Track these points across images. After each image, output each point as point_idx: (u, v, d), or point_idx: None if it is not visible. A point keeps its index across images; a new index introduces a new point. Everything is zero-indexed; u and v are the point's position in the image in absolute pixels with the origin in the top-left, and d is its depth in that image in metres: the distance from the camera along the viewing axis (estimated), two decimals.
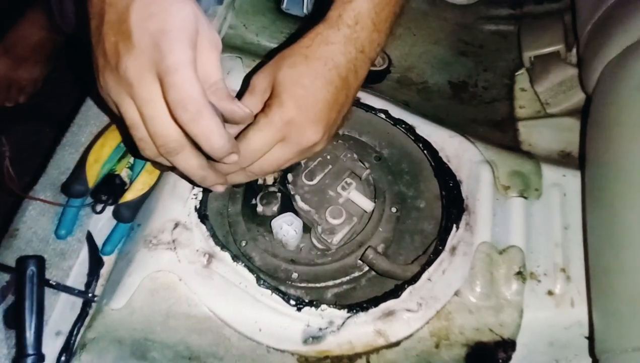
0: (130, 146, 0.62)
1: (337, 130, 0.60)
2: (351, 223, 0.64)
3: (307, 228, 0.66)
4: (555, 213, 0.65)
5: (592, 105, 0.67)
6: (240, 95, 0.59)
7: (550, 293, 0.60)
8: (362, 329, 0.57)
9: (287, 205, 0.67)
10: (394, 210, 0.68)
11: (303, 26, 0.59)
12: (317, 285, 0.63)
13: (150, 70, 0.43)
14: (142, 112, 0.45)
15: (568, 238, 0.63)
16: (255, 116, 0.53)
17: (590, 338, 0.57)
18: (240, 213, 0.68)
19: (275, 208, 0.67)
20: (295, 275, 0.63)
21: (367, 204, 0.65)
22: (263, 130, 0.51)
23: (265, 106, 0.53)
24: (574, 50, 0.84)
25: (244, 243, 0.65)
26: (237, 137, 0.52)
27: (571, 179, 0.68)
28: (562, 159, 0.75)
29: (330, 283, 0.63)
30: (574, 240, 0.63)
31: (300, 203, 0.65)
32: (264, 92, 0.54)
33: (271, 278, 0.63)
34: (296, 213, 0.65)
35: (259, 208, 0.67)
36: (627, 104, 0.58)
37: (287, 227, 0.63)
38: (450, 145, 0.70)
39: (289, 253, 0.65)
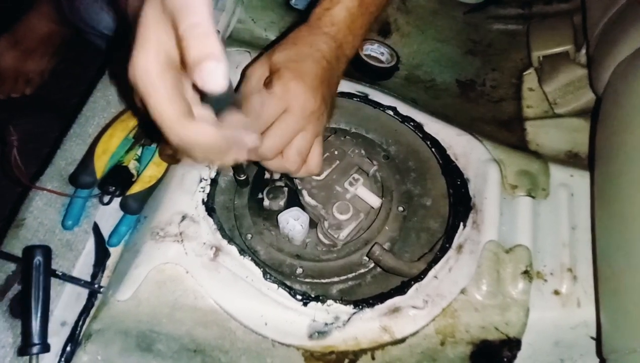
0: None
1: (330, 112, 0.62)
2: (358, 219, 0.64)
3: (313, 224, 0.66)
4: (563, 213, 0.65)
5: (602, 106, 0.67)
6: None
7: (556, 292, 0.60)
8: (367, 325, 0.57)
9: (294, 200, 0.67)
10: (400, 209, 0.68)
11: (304, 20, 0.62)
12: (322, 280, 0.63)
13: None
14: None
15: (575, 239, 0.63)
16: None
17: (598, 338, 0.57)
18: (246, 206, 0.68)
19: (281, 202, 0.67)
20: (300, 271, 0.63)
21: (374, 200, 0.65)
22: (267, 100, 0.54)
23: (266, 84, 0.56)
24: (583, 51, 0.83)
25: (249, 237, 0.65)
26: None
27: (579, 179, 0.68)
28: (569, 159, 0.75)
29: (336, 279, 0.63)
30: (581, 240, 0.63)
31: (307, 198, 0.64)
32: (260, 79, 0.57)
33: (276, 272, 0.63)
34: (303, 208, 0.65)
35: (266, 203, 0.67)
36: (639, 105, 0.57)
37: (293, 222, 0.63)
38: (458, 143, 0.70)
39: (294, 248, 0.65)
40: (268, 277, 0.58)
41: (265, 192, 0.67)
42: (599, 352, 0.56)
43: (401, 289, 0.59)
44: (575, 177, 0.69)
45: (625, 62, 0.64)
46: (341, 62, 0.62)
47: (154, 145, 0.67)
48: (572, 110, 0.81)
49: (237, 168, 0.65)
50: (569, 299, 0.60)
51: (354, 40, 0.63)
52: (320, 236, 0.65)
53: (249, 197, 0.69)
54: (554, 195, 0.67)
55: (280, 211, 0.64)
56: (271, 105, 0.54)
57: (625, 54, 0.64)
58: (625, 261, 0.53)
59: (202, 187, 0.63)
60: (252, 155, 0.57)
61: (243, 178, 0.66)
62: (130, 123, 0.66)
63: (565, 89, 0.82)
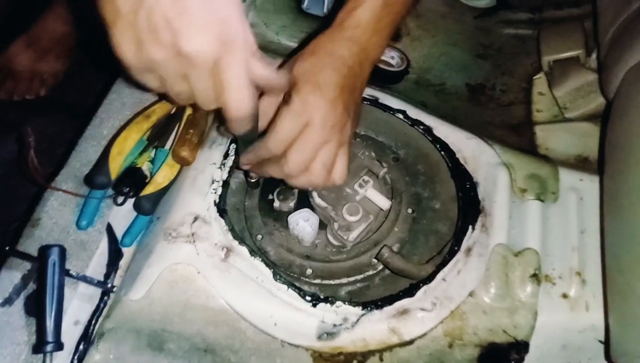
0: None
1: (355, 119, 0.61)
2: (367, 220, 0.64)
3: (322, 226, 0.66)
4: (572, 217, 0.65)
5: (613, 111, 0.67)
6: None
7: (565, 296, 0.60)
8: (376, 327, 0.57)
9: (304, 201, 0.67)
10: (410, 211, 0.68)
11: (322, 26, 0.61)
12: (331, 282, 0.64)
13: (213, 55, 0.44)
14: (195, 87, 0.47)
15: (584, 242, 0.63)
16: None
17: (606, 342, 0.57)
18: (257, 207, 0.68)
19: (292, 204, 0.68)
20: (309, 271, 0.64)
21: (384, 202, 0.65)
22: (286, 115, 0.53)
23: (285, 96, 0.56)
24: (594, 56, 0.83)
25: (259, 237, 0.66)
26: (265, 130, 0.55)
27: (588, 184, 0.68)
28: (579, 164, 0.75)
29: (345, 280, 0.64)
30: (590, 244, 0.63)
31: (317, 200, 0.65)
32: (281, 91, 0.57)
33: (285, 273, 0.64)
34: (313, 209, 0.65)
35: (276, 204, 0.68)
36: None
37: (303, 223, 0.63)
38: (468, 146, 0.70)
39: (304, 249, 0.66)
40: (278, 277, 0.58)
41: (275, 193, 0.68)
42: (608, 355, 0.56)
43: (409, 291, 0.59)
44: (585, 181, 0.69)
45: (636, 68, 0.64)
46: (365, 66, 0.60)
47: (167, 148, 0.68)
48: (582, 114, 0.81)
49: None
50: (577, 303, 0.60)
51: (380, 41, 0.61)
52: (330, 237, 0.66)
53: (259, 198, 0.69)
54: (563, 199, 0.67)
55: (290, 212, 0.65)
56: (292, 121, 0.53)
57: (636, 59, 0.64)
58: (634, 265, 0.53)
59: (213, 189, 0.64)
60: (277, 173, 0.57)
61: (254, 180, 0.67)
62: (144, 125, 0.67)
63: (575, 94, 0.82)
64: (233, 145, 0.67)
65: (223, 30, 0.44)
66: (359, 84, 0.60)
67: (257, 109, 0.51)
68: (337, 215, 0.64)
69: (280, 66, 0.62)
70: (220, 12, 0.44)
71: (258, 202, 0.69)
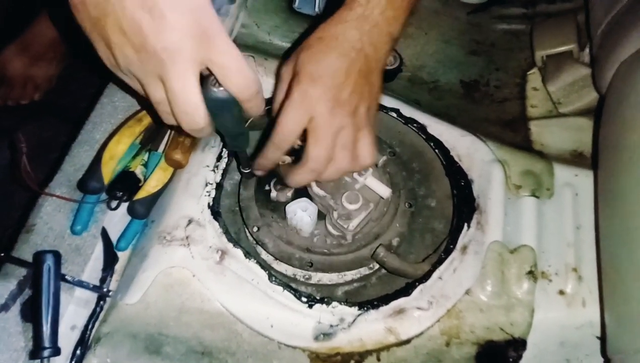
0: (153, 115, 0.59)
1: (373, 100, 0.58)
2: (368, 209, 0.63)
3: (321, 217, 0.65)
4: (567, 213, 0.65)
5: (606, 105, 0.67)
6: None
7: (561, 292, 0.60)
8: (372, 326, 0.57)
9: (302, 191, 0.65)
10: (407, 205, 0.68)
11: (314, 25, 0.60)
12: (328, 283, 0.64)
13: (190, 54, 0.42)
14: (172, 90, 0.44)
15: (580, 238, 0.63)
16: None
17: (602, 338, 0.57)
18: (253, 198, 0.67)
19: (289, 193, 0.66)
20: (309, 264, 0.62)
21: (384, 190, 0.64)
22: (287, 110, 0.52)
23: (287, 89, 0.54)
24: (587, 50, 0.83)
25: (255, 229, 0.64)
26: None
27: (583, 179, 0.68)
28: (574, 159, 0.75)
29: (341, 281, 0.64)
30: (586, 240, 0.63)
31: (315, 189, 0.63)
32: (288, 80, 0.55)
33: (286, 264, 0.63)
34: (311, 198, 0.64)
35: (273, 194, 0.66)
36: None
37: (301, 213, 0.62)
38: (462, 144, 0.70)
39: (303, 241, 0.64)
40: (273, 279, 0.58)
41: (272, 183, 0.66)
42: (604, 352, 0.56)
43: (406, 290, 0.59)
44: (580, 176, 0.69)
45: (629, 61, 0.64)
46: (380, 44, 0.55)
47: (160, 151, 0.68)
48: (576, 109, 0.81)
49: (243, 161, 0.64)
50: (574, 299, 0.60)
51: (396, 14, 0.55)
52: (329, 227, 0.64)
53: (255, 189, 0.67)
54: (558, 195, 0.67)
55: (287, 202, 0.63)
56: (293, 115, 0.52)
57: (628, 52, 0.64)
58: (628, 260, 0.53)
59: (207, 192, 0.63)
60: (306, 176, 0.56)
61: (248, 171, 0.65)
62: (137, 129, 0.67)
63: (569, 88, 0.82)
64: None
65: (196, 22, 0.41)
66: (374, 65, 0.56)
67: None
68: (336, 203, 0.63)
69: (283, 59, 0.60)
70: (191, 2, 0.41)
71: (254, 193, 0.67)
